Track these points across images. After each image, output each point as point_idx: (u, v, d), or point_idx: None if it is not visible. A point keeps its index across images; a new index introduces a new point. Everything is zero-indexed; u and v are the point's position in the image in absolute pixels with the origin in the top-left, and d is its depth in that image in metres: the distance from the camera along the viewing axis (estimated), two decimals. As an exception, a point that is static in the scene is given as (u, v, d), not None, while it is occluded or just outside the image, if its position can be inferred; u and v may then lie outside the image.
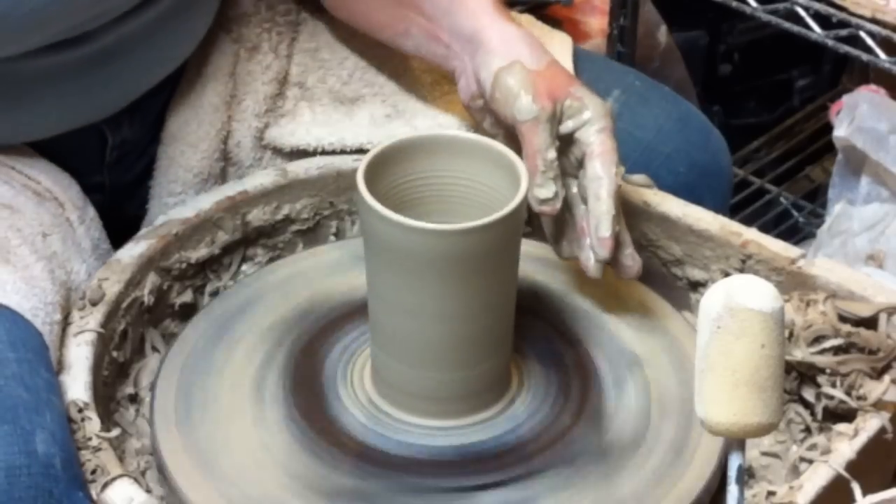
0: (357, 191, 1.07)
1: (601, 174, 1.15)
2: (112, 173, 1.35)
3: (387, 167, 1.11)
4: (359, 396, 1.17)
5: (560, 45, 1.40)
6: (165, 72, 1.31)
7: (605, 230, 1.13)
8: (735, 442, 0.95)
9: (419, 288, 1.08)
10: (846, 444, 1.10)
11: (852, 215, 1.85)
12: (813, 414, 1.18)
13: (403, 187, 1.13)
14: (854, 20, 1.59)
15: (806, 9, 1.63)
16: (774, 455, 1.19)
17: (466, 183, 1.14)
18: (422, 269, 1.07)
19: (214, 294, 1.31)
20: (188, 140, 1.33)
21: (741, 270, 1.26)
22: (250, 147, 1.36)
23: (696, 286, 1.31)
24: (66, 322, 1.17)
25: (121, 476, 1.06)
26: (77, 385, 1.12)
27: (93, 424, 1.09)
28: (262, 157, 1.37)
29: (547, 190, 1.14)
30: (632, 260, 1.19)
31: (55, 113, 1.25)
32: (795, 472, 1.13)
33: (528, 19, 1.47)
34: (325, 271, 1.29)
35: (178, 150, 1.33)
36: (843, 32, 1.60)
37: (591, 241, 1.14)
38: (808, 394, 1.18)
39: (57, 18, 1.16)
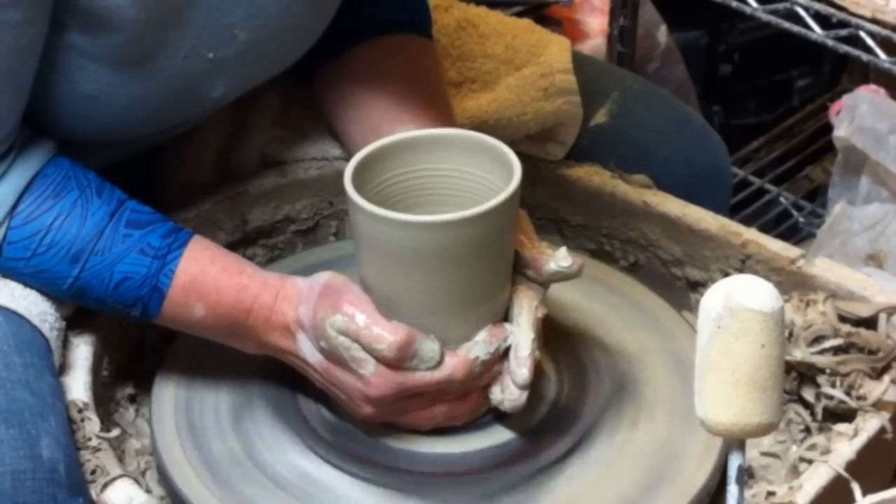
0: (344, 189, 1.07)
1: (523, 304, 1.12)
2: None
3: (377, 166, 1.11)
4: None
5: (559, 49, 1.40)
6: None
7: (524, 350, 1.10)
8: (735, 442, 0.95)
9: (410, 282, 1.07)
10: (846, 444, 1.10)
11: (852, 215, 1.85)
12: (813, 414, 1.18)
13: (395, 186, 1.12)
14: (854, 20, 1.58)
15: (806, 9, 1.63)
16: (774, 455, 1.19)
17: (458, 177, 1.13)
18: (410, 263, 1.06)
19: (214, 294, 1.30)
20: (185, 155, 1.33)
21: (741, 270, 1.26)
22: (252, 162, 1.35)
23: (696, 286, 1.31)
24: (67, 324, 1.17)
25: (121, 476, 1.06)
26: (77, 385, 1.12)
27: (93, 425, 1.09)
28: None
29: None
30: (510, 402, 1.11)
31: (122, 153, 1.27)
32: (795, 472, 1.13)
33: (526, 23, 1.46)
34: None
35: (175, 165, 1.33)
36: (843, 32, 1.60)
37: (511, 365, 1.10)
38: (808, 394, 1.18)
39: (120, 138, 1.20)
